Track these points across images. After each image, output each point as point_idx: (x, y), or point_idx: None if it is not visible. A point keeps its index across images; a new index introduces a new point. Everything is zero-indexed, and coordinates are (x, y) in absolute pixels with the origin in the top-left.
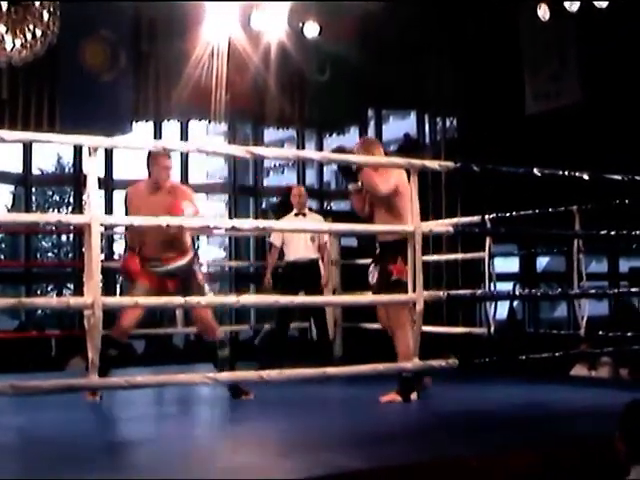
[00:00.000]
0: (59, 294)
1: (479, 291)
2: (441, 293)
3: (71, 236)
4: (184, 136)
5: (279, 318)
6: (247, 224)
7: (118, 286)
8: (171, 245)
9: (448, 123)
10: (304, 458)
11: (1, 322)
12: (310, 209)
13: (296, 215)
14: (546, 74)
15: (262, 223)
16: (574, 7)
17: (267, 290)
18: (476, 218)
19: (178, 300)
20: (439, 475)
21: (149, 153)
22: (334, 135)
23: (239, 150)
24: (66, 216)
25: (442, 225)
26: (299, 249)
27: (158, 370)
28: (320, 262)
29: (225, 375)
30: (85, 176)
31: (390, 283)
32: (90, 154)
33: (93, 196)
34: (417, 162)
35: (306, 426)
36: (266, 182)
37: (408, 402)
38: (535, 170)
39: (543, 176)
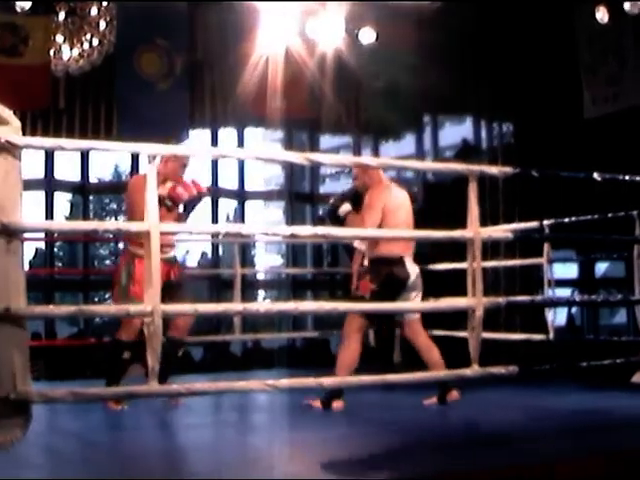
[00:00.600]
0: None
1: (538, 297)
2: (500, 299)
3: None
4: (240, 143)
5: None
6: (305, 231)
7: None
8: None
9: (505, 128)
10: (359, 467)
11: (60, 329)
12: None
13: None
14: (604, 77)
15: (320, 230)
16: (634, 9)
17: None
18: (534, 224)
19: (236, 307)
20: None
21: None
22: (390, 142)
23: (296, 157)
24: (125, 224)
25: (500, 231)
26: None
27: (216, 377)
28: None
29: (285, 382)
30: None
31: (354, 296)
32: (149, 162)
33: (152, 203)
34: (476, 168)
35: (362, 434)
36: (322, 189)
37: None
38: (595, 174)
39: (603, 180)
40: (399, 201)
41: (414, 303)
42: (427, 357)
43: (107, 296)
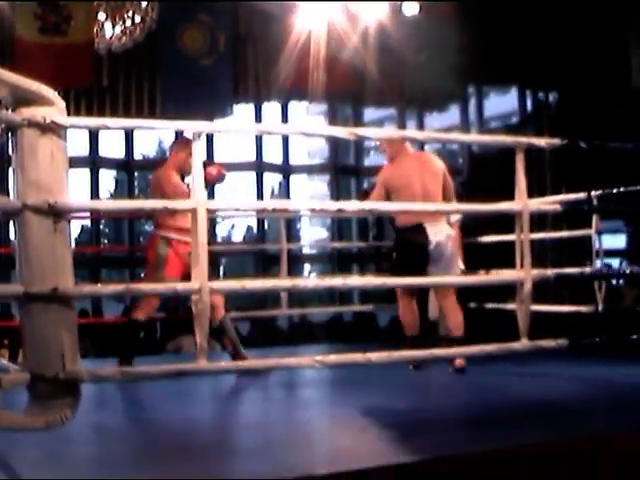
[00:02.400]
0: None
1: (588, 269)
2: (549, 272)
3: None
4: (284, 117)
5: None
6: (352, 206)
7: (221, 268)
8: None
9: (550, 98)
10: (412, 441)
11: (107, 306)
12: None
13: None
14: None
15: (368, 205)
16: None
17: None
18: (582, 195)
19: (285, 283)
20: (554, 458)
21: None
22: (435, 113)
23: (342, 131)
24: (172, 202)
25: (548, 203)
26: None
27: (263, 353)
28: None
29: (333, 358)
30: None
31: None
32: (194, 139)
33: (198, 181)
34: (523, 140)
35: (414, 408)
36: (367, 162)
37: None
38: None
39: None
40: (409, 174)
41: (463, 277)
42: (452, 319)
43: None
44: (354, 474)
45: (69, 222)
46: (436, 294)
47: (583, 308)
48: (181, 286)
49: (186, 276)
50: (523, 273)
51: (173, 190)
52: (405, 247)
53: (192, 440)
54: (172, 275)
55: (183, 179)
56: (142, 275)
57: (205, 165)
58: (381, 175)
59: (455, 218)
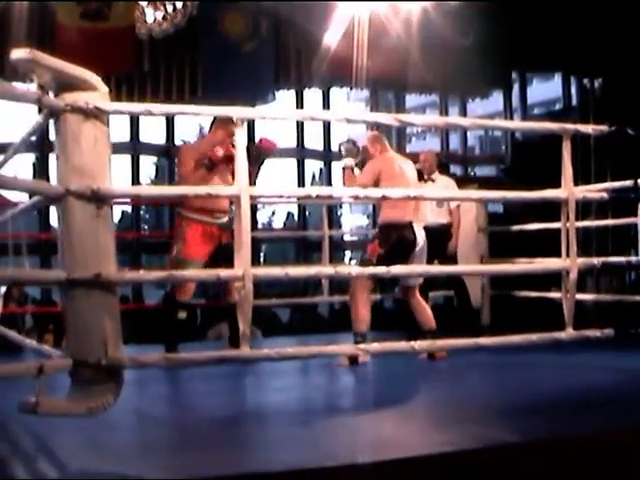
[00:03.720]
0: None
1: (634, 258)
2: (596, 260)
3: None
4: (326, 104)
5: (457, 286)
6: (395, 193)
7: (262, 255)
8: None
9: (595, 85)
10: (453, 430)
11: (148, 292)
12: (447, 172)
13: (425, 181)
14: None
15: (412, 192)
16: None
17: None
18: (628, 182)
19: (328, 270)
20: (592, 450)
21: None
22: (477, 99)
23: (386, 118)
24: (216, 188)
25: (595, 190)
26: (426, 215)
27: (303, 340)
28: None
29: (376, 346)
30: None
31: (363, 260)
32: (237, 125)
33: (242, 167)
34: (570, 126)
35: (453, 397)
36: (409, 148)
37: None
38: None
39: None
40: (399, 171)
41: (508, 265)
42: (422, 315)
43: None
44: (394, 462)
45: (111, 208)
46: (405, 293)
47: (629, 297)
48: (224, 273)
49: (208, 257)
50: (569, 262)
51: (183, 174)
52: (400, 244)
53: (231, 428)
54: (191, 255)
55: (212, 159)
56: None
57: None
58: (372, 165)
59: (455, 204)
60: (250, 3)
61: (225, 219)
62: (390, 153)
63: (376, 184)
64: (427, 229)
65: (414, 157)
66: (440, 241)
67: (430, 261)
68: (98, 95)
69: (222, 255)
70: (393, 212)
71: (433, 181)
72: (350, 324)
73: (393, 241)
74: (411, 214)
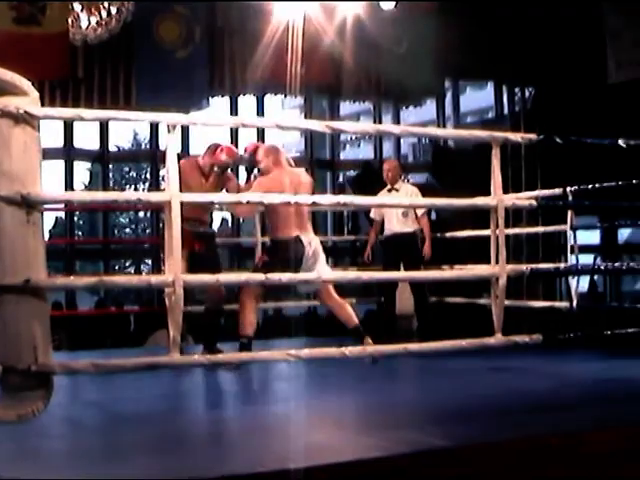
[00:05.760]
0: (137, 270)
1: (562, 265)
2: (524, 267)
3: (148, 212)
4: (260, 110)
5: (386, 293)
6: (327, 200)
7: None
8: (206, 210)
9: (527, 93)
10: (384, 436)
11: (81, 298)
12: (408, 181)
13: (389, 191)
14: (630, 40)
15: (343, 199)
16: None
17: (366, 265)
18: (557, 191)
19: (258, 277)
20: (520, 454)
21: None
22: (411, 107)
23: (318, 125)
24: (146, 194)
25: (524, 198)
26: (393, 223)
27: (237, 346)
28: (423, 235)
29: (307, 352)
30: (162, 153)
31: (255, 268)
32: (169, 131)
33: (173, 173)
34: (499, 135)
35: (386, 403)
36: (342, 155)
37: None
38: (620, 141)
39: (629, 147)
40: (285, 187)
41: (437, 272)
42: (341, 315)
43: (127, 264)
44: (325, 468)
45: (42, 214)
46: (320, 296)
47: (557, 303)
48: (154, 279)
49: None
50: (498, 268)
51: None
52: (287, 259)
53: (165, 434)
54: None
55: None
56: None
57: (215, 149)
58: (256, 187)
59: (421, 211)
60: (184, 9)
61: (201, 229)
62: (282, 169)
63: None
64: (395, 238)
65: (358, 164)
66: (409, 249)
67: (398, 268)
68: (29, 100)
69: (194, 262)
70: (279, 230)
71: (397, 190)
72: (282, 330)
73: (278, 256)
74: (296, 229)
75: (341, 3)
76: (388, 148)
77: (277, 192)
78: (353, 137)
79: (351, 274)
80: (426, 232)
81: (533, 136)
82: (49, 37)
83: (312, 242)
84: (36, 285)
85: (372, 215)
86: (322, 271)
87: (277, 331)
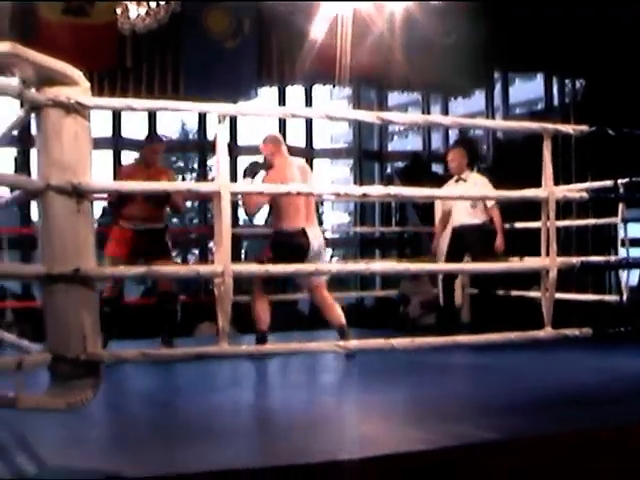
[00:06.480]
0: (184, 260)
1: (613, 258)
2: (575, 260)
3: (196, 202)
4: (308, 101)
5: (445, 285)
6: (377, 191)
7: (243, 252)
8: (153, 211)
9: (577, 85)
10: (434, 429)
11: (128, 288)
12: (478, 170)
13: (456, 181)
14: None
15: (392, 190)
16: None
17: (434, 257)
18: (608, 183)
19: (309, 268)
20: (570, 447)
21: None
22: (459, 99)
23: (368, 115)
24: (196, 184)
25: (575, 190)
26: (461, 214)
27: (284, 337)
28: (493, 227)
29: (355, 343)
30: (211, 143)
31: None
32: (220, 121)
33: (223, 164)
34: (550, 126)
35: (434, 395)
36: (390, 147)
37: None
38: None
39: None
40: (295, 178)
41: (487, 264)
42: (330, 315)
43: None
44: (374, 460)
45: (92, 203)
46: (315, 292)
47: (608, 297)
48: (203, 269)
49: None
50: (548, 261)
51: None
52: (290, 251)
53: (211, 424)
54: (110, 252)
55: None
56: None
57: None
58: (269, 178)
59: (491, 203)
60: (233, 1)
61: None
62: (284, 158)
63: (277, 199)
64: (462, 229)
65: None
66: (476, 241)
67: (461, 260)
68: (80, 90)
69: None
70: (285, 222)
71: (465, 180)
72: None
73: (284, 250)
74: (303, 221)
75: None
76: (437, 139)
77: (284, 181)
78: (401, 128)
79: (400, 266)
80: (497, 224)
81: (585, 128)
82: (98, 28)
83: (317, 236)
84: (85, 274)
85: (438, 205)
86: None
87: (324, 322)
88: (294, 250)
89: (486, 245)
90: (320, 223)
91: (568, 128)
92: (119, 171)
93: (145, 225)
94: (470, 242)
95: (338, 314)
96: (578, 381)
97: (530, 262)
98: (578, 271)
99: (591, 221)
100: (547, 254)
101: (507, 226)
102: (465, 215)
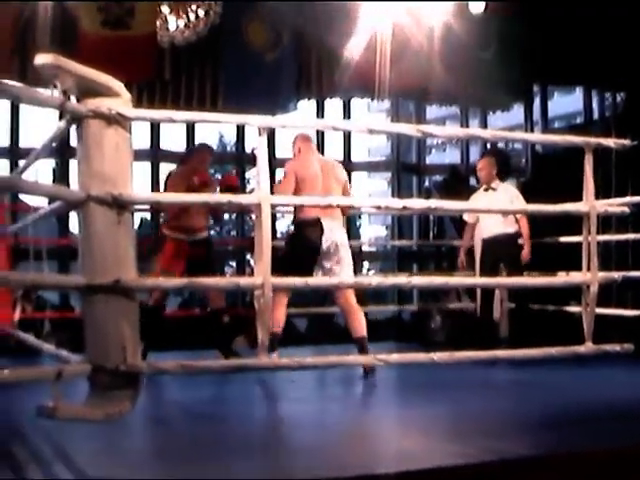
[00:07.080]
0: (221, 272)
1: None
2: (616, 275)
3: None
4: (346, 114)
5: (483, 298)
6: (418, 204)
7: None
8: (203, 219)
9: (618, 98)
10: (472, 444)
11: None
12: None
13: (485, 190)
14: None
15: (433, 203)
16: None
17: (462, 271)
18: None
19: (349, 280)
20: (606, 465)
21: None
22: (498, 112)
23: (409, 128)
24: (236, 197)
25: (616, 204)
26: (493, 224)
27: (320, 350)
28: (521, 236)
29: (396, 357)
30: (249, 155)
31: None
32: (260, 134)
33: (263, 176)
34: (592, 140)
35: (473, 411)
36: (428, 160)
37: None
38: None
39: None
40: (315, 170)
41: (527, 278)
42: (352, 322)
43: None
44: (413, 474)
45: (132, 214)
46: (339, 294)
47: None
48: (243, 281)
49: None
50: (590, 275)
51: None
52: (299, 241)
53: (248, 436)
54: (164, 266)
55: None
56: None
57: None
58: (289, 165)
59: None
60: (272, 13)
61: (203, 235)
62: (311, 152)
63: (296, 187)
64: (495, 239)
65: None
66: (511, 251)
67: (496, 271)
68: (121, 101)
69: (197, 269)
70: (302, 212)
71: (494, 190)
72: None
73: (295, 239)
74: (320, 211)
75: (429, 6)
76: (475, 153)
77: (307, 172)
78: (439, 142)
79: (438, 279)
80: (525, 234)
81: (627, 142)
82: (137, 39)
83: (334, 229)
84: (126, 285)
85: (465, 217)
86: (347, 272)
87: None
88: (305, 240)
89: (519, 255)
90: (358, 237)
91: (609, 142)
92: (167, 181)
93: (197, 236)
94: (504, 252)
95: (361, 323)
96: (616, 397)
97: (571, 277)
98: (618, 286)
99: (631, 235)
100: (588, 269)
101: (540, 240)
102: (497, 225)
